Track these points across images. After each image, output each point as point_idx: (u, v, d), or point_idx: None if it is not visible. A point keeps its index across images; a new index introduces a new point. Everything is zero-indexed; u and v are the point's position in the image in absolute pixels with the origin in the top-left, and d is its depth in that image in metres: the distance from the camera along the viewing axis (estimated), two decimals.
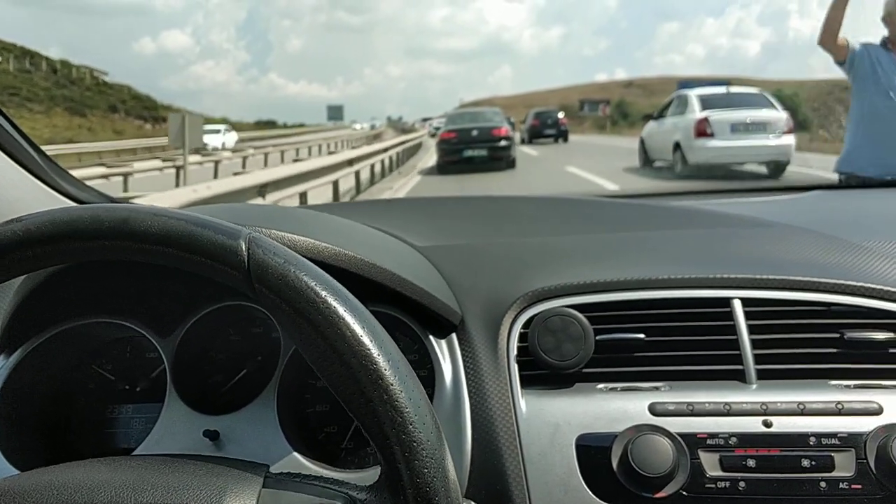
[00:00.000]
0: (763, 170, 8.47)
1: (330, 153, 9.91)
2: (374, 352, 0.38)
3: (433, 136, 32.55)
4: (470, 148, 12.24)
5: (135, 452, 0.66)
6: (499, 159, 12.02)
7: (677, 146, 8.70)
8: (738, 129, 8.26)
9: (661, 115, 9.90)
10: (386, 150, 11.52)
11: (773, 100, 8.75)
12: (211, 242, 0.40)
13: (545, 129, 23.07)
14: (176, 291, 0.71)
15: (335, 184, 7.77)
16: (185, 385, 0.70)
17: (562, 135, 22.88)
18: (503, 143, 12.15)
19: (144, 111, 57.41)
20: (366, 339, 0.39)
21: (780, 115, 8.43)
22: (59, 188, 0.93)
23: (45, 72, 49.31)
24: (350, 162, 8.47)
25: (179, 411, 0.68)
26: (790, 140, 8.23)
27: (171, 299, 0.72)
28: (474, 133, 12.36)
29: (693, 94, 9.10)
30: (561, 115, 23.95)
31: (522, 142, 22.47)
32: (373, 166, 10.33)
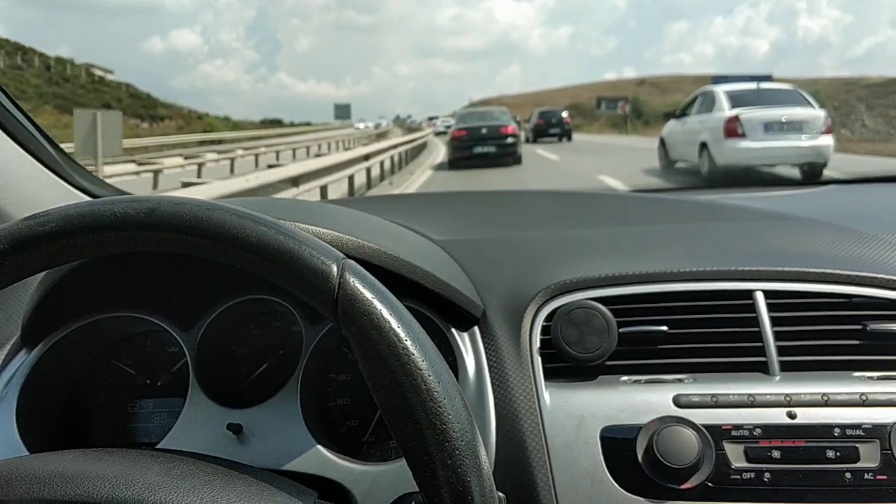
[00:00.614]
0: (796, 173, 7.71)
1: (317, 156, 9.71)
2: (445, 409, 0.39)
3: (438, 134, 32.45)
4: (479, 145, 13.17)
5: (158, 446, 0.67)
6: (507, 155, 12.95)
7: (704, 147, 8.14)
8: (771, 128, 7.63)
9: (683, 113, 9.28)
10: (385, 150, 10.76)
11: (808, 97, 8.12)
12: (306, 263, 0.40)
13: (549, 129, 23.84)
14: (197, 285, 0.73)
15: (323, 189, 7.44)
16: (207, 379, 0.71)
17: (566, 133, 23.76)
18: (510, 140, 13.09)
19: (142, 109, 57.04)
20: (438, 395, 0.39)
21: (817, 113, 7.81)
22: (76, 184, 0.95)
23: (37, 68, 48.76)
24: (366, 157, 8.37)
25: (202, 405, 0.69)
26: (828, 140, 7.65)
27: (193, 293, 0.73)
28: (483, 131, 13.27)
29: (721, 90, 8.44)
30: (565, 114, 24.64)
31: (527, 140, 22.69)
32: (369, 170, 9.58)
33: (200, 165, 11.97)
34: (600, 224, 1.01)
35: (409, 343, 0.39)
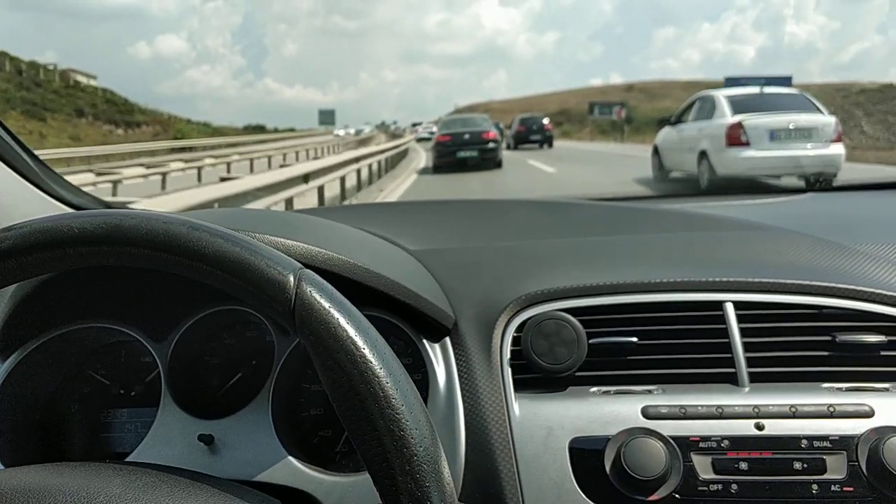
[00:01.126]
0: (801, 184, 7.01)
1: (282, 166, 9.19)
2: (403, 416, 0.40)
3: (420, 140, 33.09)
4: (463, 150, 14.10)
5: (129, 457, 0.69)
6: (488, 160, 13.99)
7: (703, 156, 7.50)
8: (778, 136, 6.99)
9: (679, 119, 8.53)
10: (357, 159, 9.96)
11: (816, 102, 7.39)
12: (262, 274, 0.41)
13: (531, 135, 24.50)
14: (170, 296, 0.74)
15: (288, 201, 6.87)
16: (179, 389, 0.72)
17: (546, 140, 24.58)
18: (491, 145, 14.15)
19: (117, 115, 55.63)
20: (396, 402, 0.40)
21: (826, 119, 7.26)
22: (55, 193, 0.95)
23: (7, 73, 47.31)
24: (306, 178, 7.41)
25: (174, 415, 0.70)
26: (839, 149, 7.12)
27: (165, 304, 0.75)
28: (466, 136, 14.26)
29: (721, 95, 7.79)
30: (546, 120, 25.27)
31: (508, 147, 23.21)
32: (342, 180, 8.73)
33: (164, 175, 11.17)
34: (574, 234, 1.03)
35: (366, 351, 0.40)
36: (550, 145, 24.56)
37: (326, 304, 0.41)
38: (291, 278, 0.41)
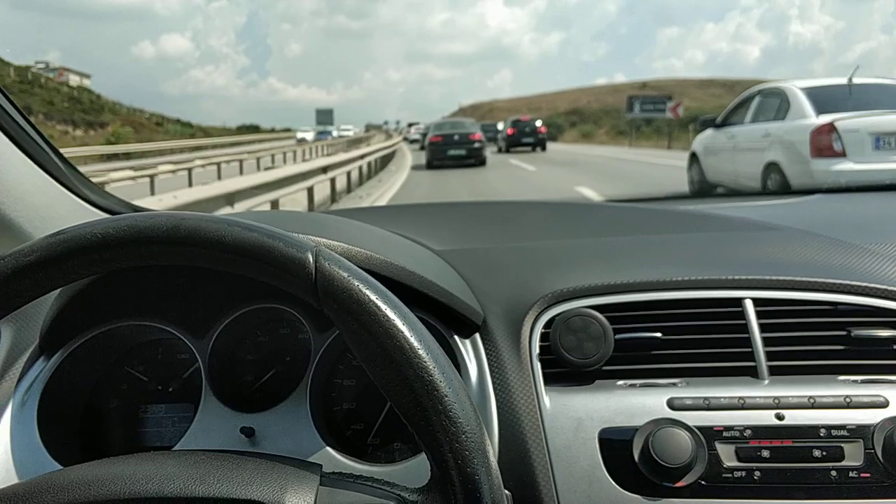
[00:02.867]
0: None
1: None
2: (429, 363, 0.44)
3: (413, 142, 34.20)
4: (452, 148, 17.32)
5: (175, 448, 0.75)
6: (474, 157, 17.25)
7: (773, 168, 5.68)
8: (886, 143, 4.89)
9: (727, 120, 6.47)
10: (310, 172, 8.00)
11: None
12: (281, 254, 0.45)
13: (523, 138, 24.90)
14: (207, 295, 0.81)
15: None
16: (219, 384, 0.79)
17: (540, 143, 25.38)
18: (477, 144, 17.50)
19: (79, 115, 52.31)
20: (421, 351, 0.44)
21: None
22: (83, 195, 1.02)
23: None
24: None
25: (215, 409, 0.76)
26: None
27: (204, 303, 0.81)
28: (456, 137, 17.57)
29: (795, 87, 5.79)
30: (539, 123, 25.87)
31: (500, 151, 24.14)
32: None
33: (102, 185, 9.13)
34: (595, 234, 1.08)
35: (388, 311, 0.44)
36: (543, 148, 25.64)
37: (346, 275, 0.45)
38: (310, 255, 0.45)
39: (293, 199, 8.42)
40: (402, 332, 0.43)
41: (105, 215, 1.02)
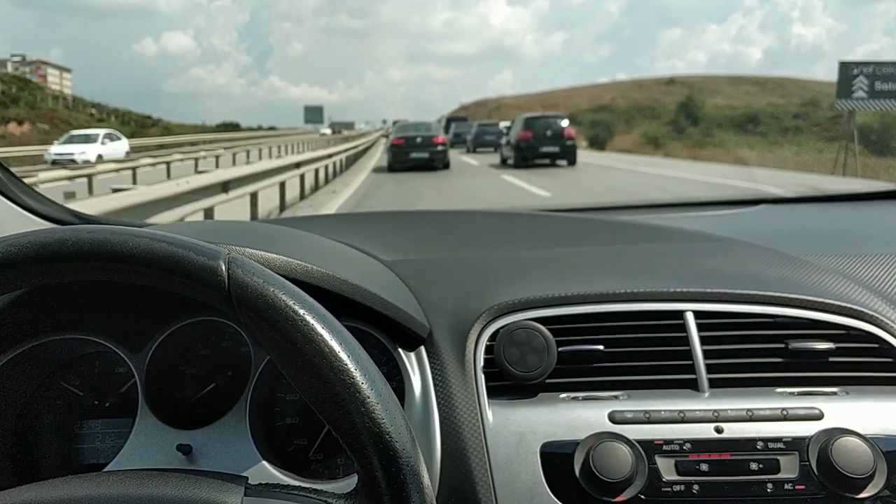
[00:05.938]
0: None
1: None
2: (351, 366, 0.44)
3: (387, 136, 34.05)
4: (415, 151, 16.38)
5: (108, 467, 0.74)
6: (437, 160, 16.32)
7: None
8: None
9: None
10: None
11: None
12: (192, 263, 0.44)
13: (543, 146, 15.50)
14: (145, 307, 0.80)
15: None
16: (156, 399, 0.78)
17: (567, 153, 16.00)
18: (440, 148, 16.56)
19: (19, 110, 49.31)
20: (342, 354, 0.44)
21: None
22: (22, 203, 0.98)
23: None
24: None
25: (151, 426, 0.75)
26: None
27: (141, 315, 0.80)
28: (418, 140, 16.57)
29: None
30: (565, 123, 16.18)
31: (504, 163, 16.65)
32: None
33: (90, 177, 10.20)
34: (542, 245, 1.09)
35: (306, 315, 0.44)
36: (573, 161, 16.00)
37: (260, 281, 0.44)
38: (222, 263, 0.44)
39: (266, 196, 8.53)
40: (321, 336, 0.42)
41: (45, 224, 1.02)
